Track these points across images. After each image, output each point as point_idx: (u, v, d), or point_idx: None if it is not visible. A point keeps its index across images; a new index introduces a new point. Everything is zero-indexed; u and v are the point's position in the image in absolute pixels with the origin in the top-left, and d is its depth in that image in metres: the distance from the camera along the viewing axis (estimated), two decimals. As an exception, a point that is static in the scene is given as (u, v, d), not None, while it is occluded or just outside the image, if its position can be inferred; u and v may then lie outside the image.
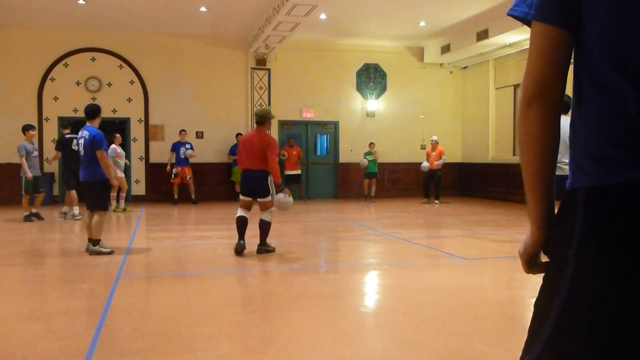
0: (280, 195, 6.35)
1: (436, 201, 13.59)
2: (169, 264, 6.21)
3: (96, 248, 6.40)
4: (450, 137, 16.04)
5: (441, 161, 13.40)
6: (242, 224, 6.39)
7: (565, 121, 1.15)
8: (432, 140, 13.78)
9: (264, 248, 6.47)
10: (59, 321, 3.89)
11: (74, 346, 3.34)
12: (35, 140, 10.27)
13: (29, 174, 9.64)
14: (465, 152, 16.15)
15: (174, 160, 12.99)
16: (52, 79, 13.31)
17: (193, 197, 13.06)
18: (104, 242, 6.61)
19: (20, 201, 10.18)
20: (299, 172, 14.01)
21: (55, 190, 13.12)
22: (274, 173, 6.28)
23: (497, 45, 13.08)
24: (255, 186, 6.34)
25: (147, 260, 6.31)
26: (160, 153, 13.90)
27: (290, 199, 6.43)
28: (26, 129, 10.06)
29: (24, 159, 9.69)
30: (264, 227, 6.47)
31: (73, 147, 9.75)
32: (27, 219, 9.80)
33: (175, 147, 13.03)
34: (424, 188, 13.91)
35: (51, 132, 13.27)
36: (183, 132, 13.16)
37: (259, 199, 6.39)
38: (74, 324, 3.85)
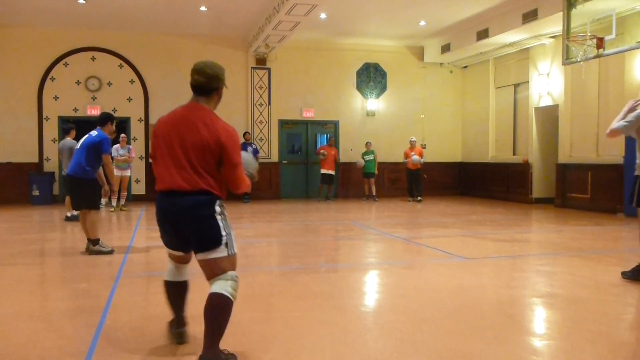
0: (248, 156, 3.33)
1: (419, 198, 13.99)
2: (169, 263, 6.20)
3: (96, 247, 6.40)
4: (450, 136, 16.08)
5: (422, 159, 13.86)
6: (175, 292, 3.30)
7: None
8: (411, 141, 14.13)
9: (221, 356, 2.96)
10: (59, 321, 3.90)
11: (74, 346, 3.34)
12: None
13: None
14: (465, 152, 16.16)
15: None
16: (52, 79, 13.31)
17: None
18: (104, 241, 6.61)
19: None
20: (333, 172, 14.14)
21: (55, 190, 13.10)
22: (238, 189, 3.10)
23: (497, 45, 13.07)
24: (187, 228, 2.97)
25: (148, 260, 6.32)
26: (160, 152, 13.89)
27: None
28: (72, 128, 9.60)
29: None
30: (220, 312, 2.94)
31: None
32: (71, 218, 9.27)
33: (244, 148, 13.05)
34: (408, 187, 14.25)
35: (51, 131, 13.28)
36: (247, 134, 13.67)
37: (200, 255, 3.01)
38: (74, 324, 3.85)
